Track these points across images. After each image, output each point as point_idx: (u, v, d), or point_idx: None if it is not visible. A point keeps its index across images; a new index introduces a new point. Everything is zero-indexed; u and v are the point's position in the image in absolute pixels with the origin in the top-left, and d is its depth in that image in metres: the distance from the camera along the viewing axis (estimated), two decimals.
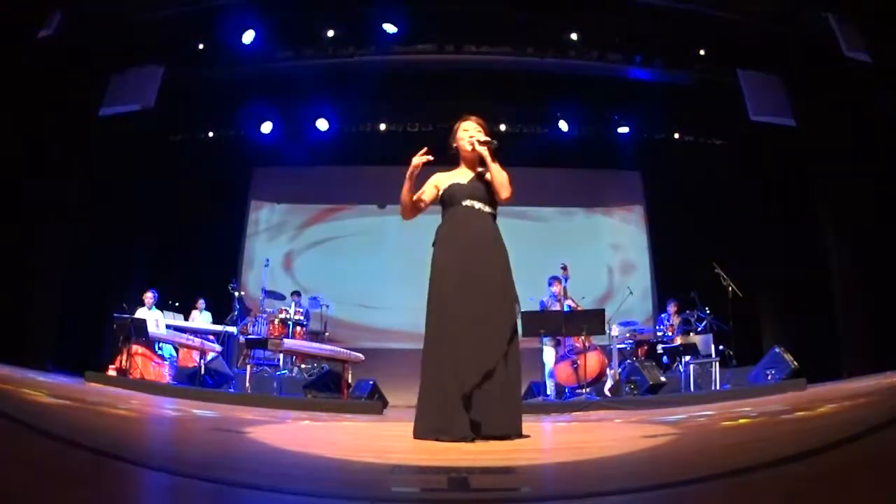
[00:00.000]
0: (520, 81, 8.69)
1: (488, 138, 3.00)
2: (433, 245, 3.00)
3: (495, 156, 2.98)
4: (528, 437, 2.75)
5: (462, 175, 3.07)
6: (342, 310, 8.99)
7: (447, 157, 3.16)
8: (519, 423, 2.80)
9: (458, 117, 3.16)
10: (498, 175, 2.95)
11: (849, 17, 6.15)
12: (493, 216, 3.03)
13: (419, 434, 2.69)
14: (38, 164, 6.48)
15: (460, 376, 2.68)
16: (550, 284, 7.07)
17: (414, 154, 2.97)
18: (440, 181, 3.07)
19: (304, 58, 8.21)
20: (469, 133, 3.05)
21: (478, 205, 2.98)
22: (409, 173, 2.95)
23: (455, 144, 3.10)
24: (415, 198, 3.03)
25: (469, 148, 3.02)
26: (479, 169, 3.05)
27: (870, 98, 6.05)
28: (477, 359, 2.71)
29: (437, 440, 2.59)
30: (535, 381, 7.26)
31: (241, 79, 8.58)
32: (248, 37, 7.66)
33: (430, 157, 2.95)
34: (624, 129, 9.40)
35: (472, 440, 2.60)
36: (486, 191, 2.99)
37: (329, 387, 6.28)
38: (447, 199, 3.00)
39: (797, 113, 7.34)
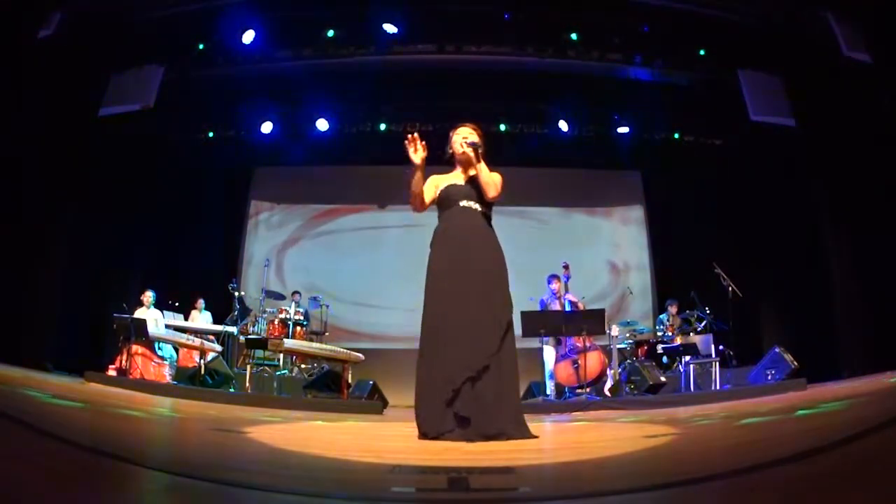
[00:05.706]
0: (520, 81, 8.69)
1: (476, 141, 3.08)
2: (430, 246, 3.05)
3: (483, 157, 3.06)
4: (536, 437, 2.72)
5: (457, 177, 3.15)
6: (342, 310, 8.98)
7: (445, 161, 3.22)
8: (519, 421, 2.78)
9: (457, 117, 3.27)
10: (485, 174, 3.04)
11: (849, 17, 6.15)
12: (487, 216, 3.08)
13: (423, 434, 2.70)
14: (37, 164, 6.48)
15: (448, 374, 2.70)
16: (550, 282, 7.08)
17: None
18: (438, 181, 3.15)
19: (304, 58, 8.21)
20: (461, 136, 3.14)
21: (473, 205, 3.04)
22: (417, 166, 2.99)
23: (450, 150, 3.19)
24: (421, 190, 3.06)
25: (459, 150, 3.10)
26: (472, 171, 3.11)
27: (870, 98, 6.05)
28: (466, 357, 2.72)
29: (435, 438, 2.60)
30: (535, 381, 7.26)
31: (241, 79, 8.58)
32: (248, 37, 7.66)
33: (422, 143, 2.99)
34: (624, 129, 9.40)
35: (467, 439, 2.58)
36: (480, 192, 3.06)
37: (329, 387, 6.29)
38: (444, 200, 3.08)
39: (797, 113, 7.33)
